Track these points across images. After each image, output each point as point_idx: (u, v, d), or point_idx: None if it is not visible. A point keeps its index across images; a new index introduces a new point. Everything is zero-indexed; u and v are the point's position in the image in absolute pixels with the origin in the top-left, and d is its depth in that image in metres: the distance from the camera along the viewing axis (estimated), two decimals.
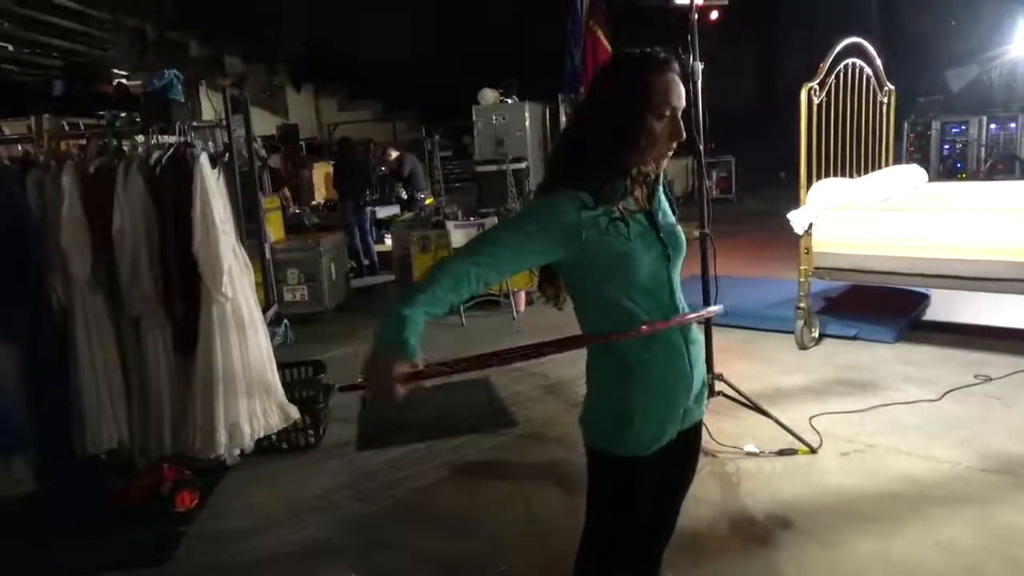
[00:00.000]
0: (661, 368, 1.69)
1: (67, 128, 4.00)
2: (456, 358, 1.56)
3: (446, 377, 1.53)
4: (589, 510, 1.85)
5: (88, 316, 3.37)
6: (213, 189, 3.33)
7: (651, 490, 1.80)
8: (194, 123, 3.80)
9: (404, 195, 10.05)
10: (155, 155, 3.38)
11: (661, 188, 1.75)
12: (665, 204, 1.76)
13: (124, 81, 4.72)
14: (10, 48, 7.45)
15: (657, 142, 1.60)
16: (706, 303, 3.76)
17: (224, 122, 4.08)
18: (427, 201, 9.77)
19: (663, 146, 1.62)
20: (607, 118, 1.60)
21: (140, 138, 3.64)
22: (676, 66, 1.61)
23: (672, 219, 1.75)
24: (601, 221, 1.58)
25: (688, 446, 1.88)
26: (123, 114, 3.69)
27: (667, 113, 1.59)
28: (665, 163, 1.68)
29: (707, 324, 3.84)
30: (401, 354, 1.43)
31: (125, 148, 3.57)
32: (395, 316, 1.44)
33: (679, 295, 1.74)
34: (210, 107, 10.20)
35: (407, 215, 8.89)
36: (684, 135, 1.62)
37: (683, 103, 1.61)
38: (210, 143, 4.02)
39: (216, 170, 3.43)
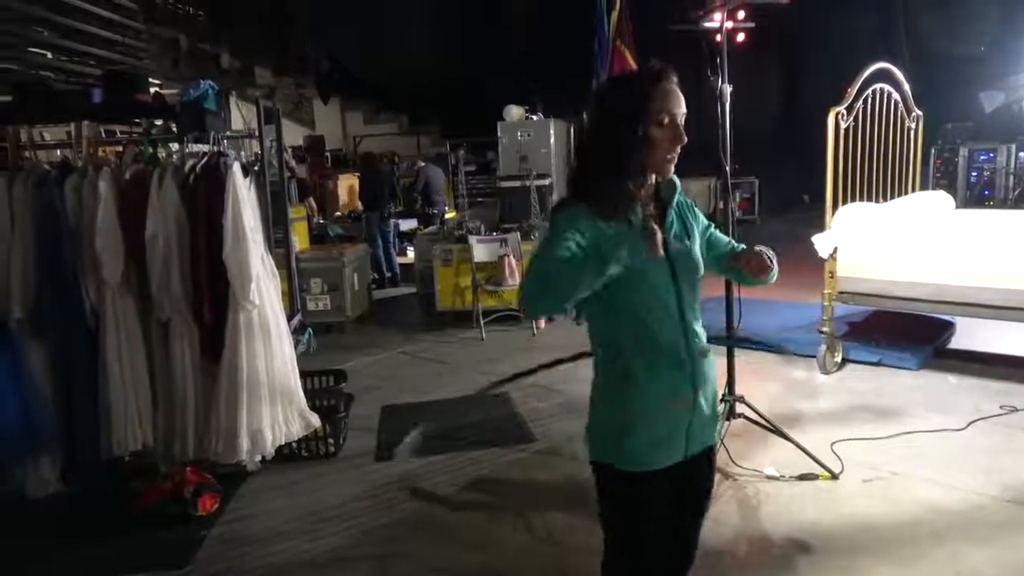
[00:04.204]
0: (663, 382, 1.73)
1: (104, 135, 4.10)
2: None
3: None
4: (603, 531, 1.86)
5: (118, 320, 3.43)
6: (244, 198, 3.39)
7: (659, 510, 1.79)
8: (227, 133, 3.88)
9: (418, 207, 10.14)
10: (189, 163, 3.45)
11: (675, 212, 1.80)
12: (678, 228, 1.80)
13: (159, 90, 4.82)
14: (49, 56, 7.64)
15: (657, 148, 1.69)
16: (729, 326, 3.77)
17: (256, 132, 4.15)
18: (448, 215, 9.82)
19: (664, 152, 1.70)
20: (608, 131, 1.70)
21: (175, 146, 3.72)
22: (673, 76, 1.70)
23: (687, 243, 1.80)
24: (608, 231, 1.65)
25: (698, 473, 1.88)
26: (159, 122, 3.77)
27: (666, 120, 1.68)
28: (672, 168, 1.74)
29: (729, 346, 3.82)
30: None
31: (160, 156, 3.65)
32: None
33: (692, 313, 1.78)
34: (239, 117, 10.37)
35: (428, 228, 8.95)
36: (685, 139, 1.70)
37: (683, 109, 1.70)
38: (242, 152, 4.09)
39: (247, 179, 3.50)
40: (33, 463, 3.43)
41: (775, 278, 1.83)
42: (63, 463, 3.48)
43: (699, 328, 1.80)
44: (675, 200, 1.79)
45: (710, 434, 1.87)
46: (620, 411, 1.74)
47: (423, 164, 10.37)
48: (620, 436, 1.74)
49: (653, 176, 1.75)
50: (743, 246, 1.92)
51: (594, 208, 1.67)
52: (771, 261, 1.78)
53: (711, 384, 1.83)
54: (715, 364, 1.86)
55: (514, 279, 6.55)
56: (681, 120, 1.70)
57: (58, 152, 3.83)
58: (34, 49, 7.39)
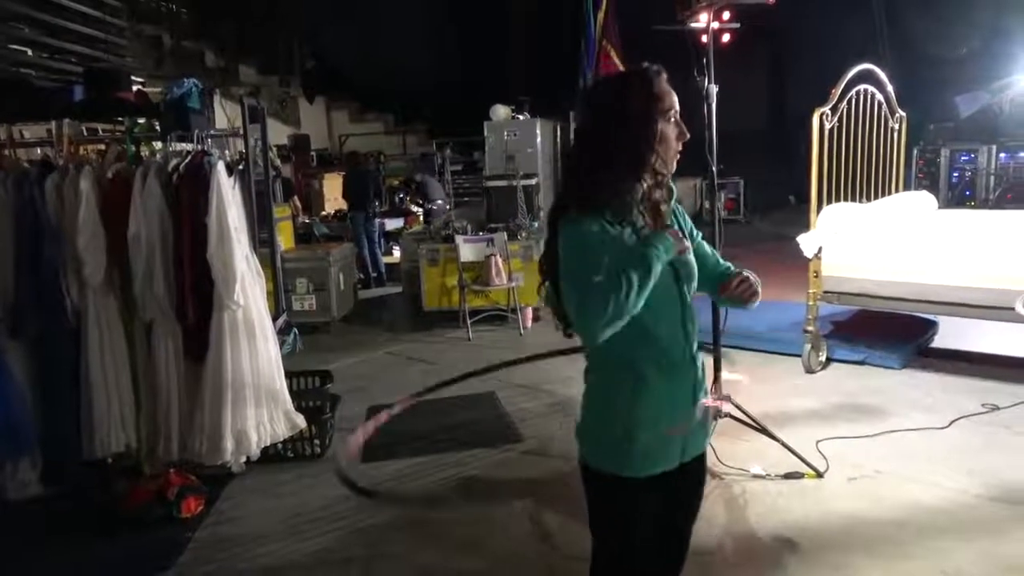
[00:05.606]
0: (668, 387, 1.72)
1: (86, 133, 4.05)
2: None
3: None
4: (592, 533, 1.84)
5: (100, 320, 3.40)
6: (228, 197, 3.37)
7: (650, 519, 1.78)
8: (211, 131, 3.84)
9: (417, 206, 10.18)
10: (172, 162, 3.42)
11: (675, 214, 1.82)
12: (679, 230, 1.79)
13: (142, 88, 4.77)
14: (30, 53, 7.55)
15: (670, 144, 1.72)
16: (715, 325, 3.78)
17: (240, 131, 4.11)
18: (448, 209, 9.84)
19: (674, 146, 1.73)
20: (628, 128, 1.66)
21: (158, 145, 3.68)
22: (665, 74, 1.73)
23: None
24: (619, 234, 1.65)
25: (691, 479, 1.86)
26: (142, 121, 3.73)
27: (672, 116, 1.71)
28: (674, 166, 1.75)
29: (716, 346, 3.84)
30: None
31: (143, 154, 3.61)
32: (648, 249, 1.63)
33: (690, 318, 1.78)
34: (224, 116, 10.31)
35: (413, 229, 8.93)
36: (688, 134, 1.74)
37: (678, 106, 1.73)
38: (226, 151, 4.05)
39: (231, 178, 3.47)
40: (13, 464, 3.39)
41: (755, 306, 1.85)
42: (44, 465, 3.44)
43: (694, 332, 1.80)
44: (672, 205, 1.80)
45: (703, 440, 1.87)
46: (621, 417, 1.70)
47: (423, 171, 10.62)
48: (619, 443, 1.70)
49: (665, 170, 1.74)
50: (728, 264, 1.91)
51: (604, 213, 1.63)
52: (757, 287, 1.80)
53: (704, 388, 1.83)
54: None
55: (500, 279, 6.54)
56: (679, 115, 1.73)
57: (38, 151, 3.78)
58: (14, 46, 7.29)
